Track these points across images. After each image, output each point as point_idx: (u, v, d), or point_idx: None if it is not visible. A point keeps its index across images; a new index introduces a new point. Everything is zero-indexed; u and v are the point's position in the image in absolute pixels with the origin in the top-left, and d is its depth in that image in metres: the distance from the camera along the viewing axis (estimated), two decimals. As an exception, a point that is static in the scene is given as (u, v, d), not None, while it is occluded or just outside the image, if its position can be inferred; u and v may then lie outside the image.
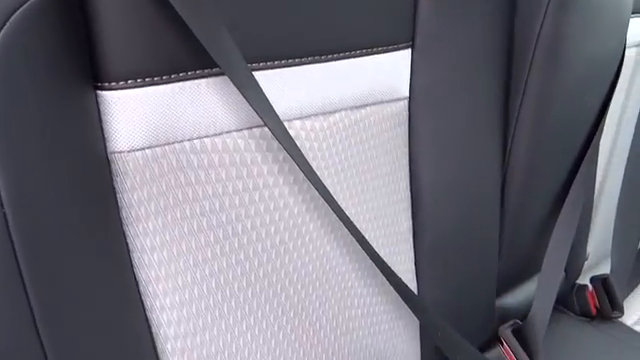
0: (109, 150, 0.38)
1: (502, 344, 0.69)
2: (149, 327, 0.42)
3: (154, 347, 0.42)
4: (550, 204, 0.71)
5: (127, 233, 0.40)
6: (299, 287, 0.50)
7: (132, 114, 0.38)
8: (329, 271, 0.52)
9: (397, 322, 0.60)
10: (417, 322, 0.62)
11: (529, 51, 0.63)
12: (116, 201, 0.39)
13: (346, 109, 0.51)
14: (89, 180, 0.38)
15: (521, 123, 0.64)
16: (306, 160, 0.46)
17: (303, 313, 0.51)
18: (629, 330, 0.82)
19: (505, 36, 0.63)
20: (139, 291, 0.41)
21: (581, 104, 0.70)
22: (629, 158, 0.89)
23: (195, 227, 0.43)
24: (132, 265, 0.41)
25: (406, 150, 0.57)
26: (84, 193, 0.37)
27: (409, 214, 0.59)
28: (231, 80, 0.40)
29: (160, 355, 0.43)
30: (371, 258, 0.51)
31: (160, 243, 0.41)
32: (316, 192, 0.49)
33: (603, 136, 0.72)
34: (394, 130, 0.55)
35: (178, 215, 0.42)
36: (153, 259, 0.41)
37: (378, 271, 0.54)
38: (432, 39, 0.55)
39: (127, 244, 0.40)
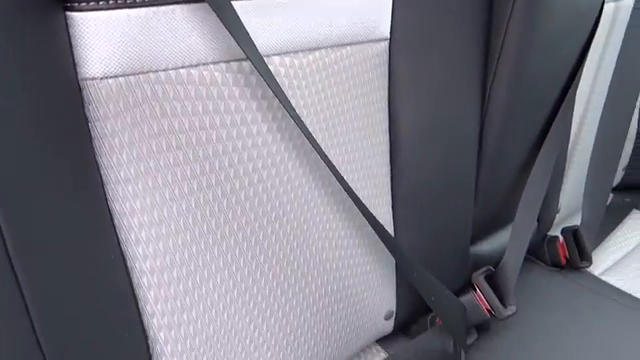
0: (80, 76, 0.37)
1: (475, 290, 0.71)
2: (124, 260, 0.41)
3: (129, 281, 0.42)
4: (526, 153, 0.72)
5: (101, 164, 0.39)
6: (277, 226, 0.50)
7: (104, 38, 0.37)
8: (307, 211, 0.52)
9: (374, 264, 0.61)
10: (393, 264, 0.63)
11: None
12: (89, 130, 0.38)
13: (326, 47, 0.50)
14: (60, 107, 0.36)
15: (500, 69, 0.64)
16: (287, 97, 0.46)
17: (281, 252, 0.51)
18: (596, 279, 0.85)
19: (487, -19, 0.62)
20: (114, 224, 0.40)
21: (559, 55, 0.70)
22: (602, 114, 0.90)
23: (171, 160, 0.42)
24: (106, 197, 0.40)
25: (385, 93, 0.57)
26: (55, 121, 0.36)
27: (387, 158, 0.59)
28: (210, 7, 0.39)
29: (136, 289, 0.42)
30: (350, 197, 0.51)
31: (135, 175, 0.40)
32: (295, 131, 0.49)
33: (579, 91, 0.73)
34: (374, 71, 0.54)
35: (154, 147, 0.41)
36: (128, 191, 0.40)
37: (356, 212, 0.54)
38: (414, -21, 0.54)
39: (101, 175, 0.39)
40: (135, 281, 0.42)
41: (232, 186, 0.46)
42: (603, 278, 0.85)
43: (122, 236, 0.41)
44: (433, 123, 0.60)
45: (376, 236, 0.55)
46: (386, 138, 0.58)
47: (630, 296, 0.81)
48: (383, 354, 0.68)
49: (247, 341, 0.50)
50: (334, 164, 0.49)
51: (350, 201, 0.53)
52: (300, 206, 0.51)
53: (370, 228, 0.54)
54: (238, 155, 0.46)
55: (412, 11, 0.55)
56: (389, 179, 0.59)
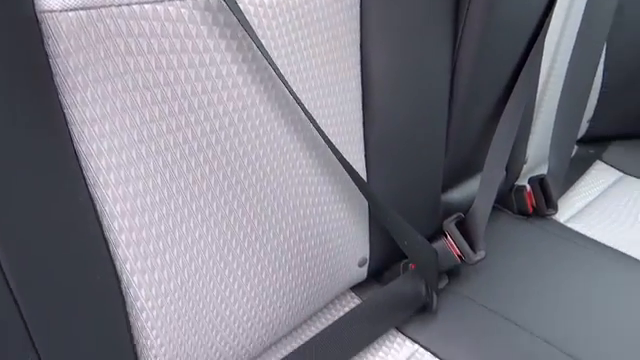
0: (38, 9, 0.35)
1: (446, 236, 0.72)
2: (94, 204, 0.40)
3: (100, 224, 0.41)
4: (495, 101, 0.72)
5: (64, 103, 0.38)
6: (249, 171, 0.50)
7: (61, -33, 0.35)
8: (280, 156, 0.52)
9: (348, 211, 0.61)
10: (367, 211, 0.64)
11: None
12: (50, 67, 0.37)
13: (296, -14, 0.49)
14: (17, 42, 0.35)
15: (470, 16, 0.63)
16: (257, 36, 0.44)
17: (254, 198, 0.51)
18: (561, 226, 0.88)
19: None
20: (80, 166, 0.39)
21: (528, 3, 0.70)
22: (569, 65, 0.91)
23: (139, 101, 0.41)
24: (72, 138, 0.39)
25: (357, 37, 0.56)
26: (12, 56, 0.34)
27: (359, 104, 0.59)
28: None
29: (106, 233, 0.41)
30: (324, 141, 0.50)
31: (101, 115, 0.39)
32: (266, 73, 0.48)
33: (547, 39, 0.74)
34: (345, 13, 0.53)
35: (119, 86, 0.40)
36: (94, 132, 0.39)
37: (330, 157, 0.54)
38: None
39: (65, 115, 0.38)
40: (106, 224, 0.41)
41: (202, 129, 0.45)
42: (568, 225, 0.88)
43: (90, 179, 0.40)
44: (404, 68, 0.59)
45: (349, 183, 0.56)
46: (358, 83, 0.58)
47: (593, 241, 0.84)
48: (357, 300, 0.70)
49: (222, 286, 0.50)
50: (307, 108, 0.49)
51: (324, 146, 0.53)
52: (273, 151, 0.51)
53: (344, 174, 0.54)
54: (208, 97, 0.45)
55: (383, -48, 0.54)
56: (361, 125, 0.59)
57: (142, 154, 0.42)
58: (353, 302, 0.69)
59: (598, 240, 0.84)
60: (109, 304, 0.43)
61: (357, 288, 0.71)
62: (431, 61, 0.62)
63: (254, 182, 0.50)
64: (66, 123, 0.38)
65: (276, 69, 0.45)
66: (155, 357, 0.46)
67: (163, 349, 0.46)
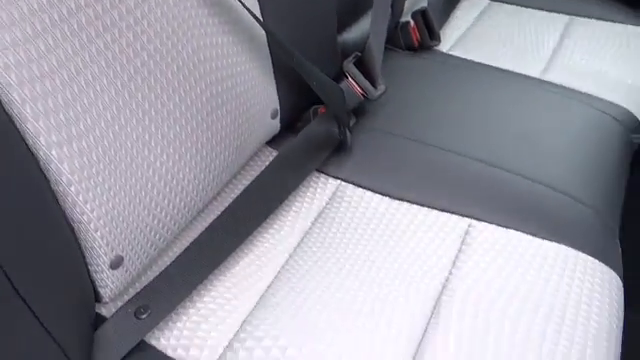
0: None
1: (347, 77, 0.74)
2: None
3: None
4: None
5: None
6: (145, 25, 0.46)
7: None
8: (179, 15, 0.48)
9: (253, 62, 0.60)
10: (270, 60, 0.63)
11: None
12: None
13: None
14: None
15: None
16: None
17: (157, 54, 0.48)
18: (445, 55, 0.94)
19: None
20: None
21: None
22: None
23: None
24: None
25: None
26: None
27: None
28: None
29: (7, 107, 0.37)
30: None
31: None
32: None
33: None
34: None
35: None
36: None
37: (229, 6, 0.51)
38: None
39: None
40: (5, 99, 0.37)
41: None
42: (451, 53, 0.94)
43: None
44: None
45: (250, 31, 0.54)
46: None
47: (472, 62, 0.91)
48: (275, 153, 0.71)
49: (146, 151, 0.49)
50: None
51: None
52: (173, 13, 0.47)
53: (243, 23, 0.53)
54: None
55: None
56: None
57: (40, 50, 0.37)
58: (272, 155, 0.71)
59: (477, 61, 0.91)
60: (35, 185, 0.40)
61: (274, 142, 0.72)
62: None
63: (152, 36, 0.47)
64: None
65: None
66: (95, 231, 0.45)
67: (102, 221, 0.45)
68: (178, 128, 0.52)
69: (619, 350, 0.54)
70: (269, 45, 0.62)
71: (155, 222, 0.51)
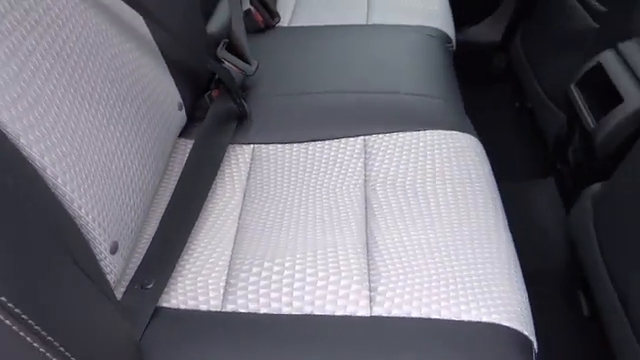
0: None
1: (224, 62, 0.86)
2: None
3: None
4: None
5: None
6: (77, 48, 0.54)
7: None
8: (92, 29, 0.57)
9: (152, 63, 0.70)
10: (162, 60, 0.73)
11: None
12: None
13: None
14: None
15: None
16: None
17: (80, 63, 0.56)
18: (289, 28, 1.10)
19: None
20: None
21: None
22: None
23: None
24: None
25: None
26: None
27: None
28: None
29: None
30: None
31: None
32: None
33: None
34: None
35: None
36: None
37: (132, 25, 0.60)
38: None
39: None
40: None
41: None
42: (292, 25, 1.11)
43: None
44: None
45: (144, 39, 0.64)
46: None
47: (312, 27, 1.08)
48: (190, 142, 0.80)
49: (100, 137, 0.57)
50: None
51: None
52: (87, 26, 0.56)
53: (135, 31, 0.62)
54: None
55: None
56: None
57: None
58: (189, 145, 0.80)
59: (315, 25, 1.08)
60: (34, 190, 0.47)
61: (185, 133, 0.81)
62: None
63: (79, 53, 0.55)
64: None
65: None
66: (93, 221, 0.52)
67: (95, 211, 0.52)
68: (105, 120, 0.59)
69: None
70: (157, 43, 0.72)
71: (131, 202, 0.59)
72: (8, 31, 0.48)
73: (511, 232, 0.68)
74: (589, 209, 0.91)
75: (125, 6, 0.65)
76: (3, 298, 0.34)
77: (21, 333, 0.35)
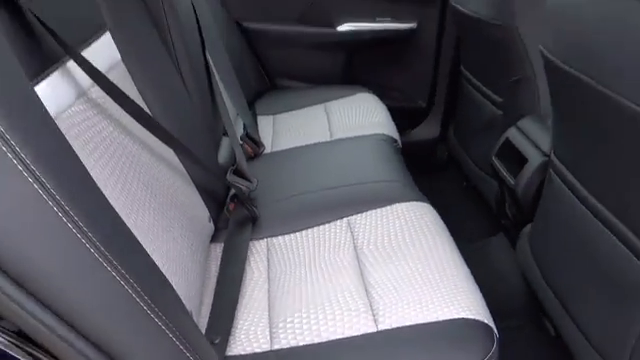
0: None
1: (232, 184, 1.15)
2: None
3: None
4: None
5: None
6: (143, 173, 0.82)
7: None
8: (150, 160, 0.85)
9: (186, 189, 0.98)
10: (194, 186, 1.01)
11: None
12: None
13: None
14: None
15: None
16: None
17: (141, 182, 0.84)
18: (273, 153, 1.41)
19: None
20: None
21: None
22: None
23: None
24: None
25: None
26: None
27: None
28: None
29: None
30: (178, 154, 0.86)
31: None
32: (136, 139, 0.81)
33: None
34: None
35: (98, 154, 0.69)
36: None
37: (171, 164, 0.90)
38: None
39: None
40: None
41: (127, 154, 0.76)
42: (274, 150, 1.42)
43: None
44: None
45: (176, 168, 0.93)
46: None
47: (290, 149, 1.40)
48: (220, 245, 1.05)
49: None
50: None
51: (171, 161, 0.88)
52: (147, 160, 0.84)
53: (169, 162, 0.91)
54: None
55: None
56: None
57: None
58: (220, 248, 1.05)
59: (291, 147, 1.40)
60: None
61: (214, 239, 1.07)
62: None
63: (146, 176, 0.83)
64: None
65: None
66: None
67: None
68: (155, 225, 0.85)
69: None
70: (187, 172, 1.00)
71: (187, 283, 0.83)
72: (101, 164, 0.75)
73: (476, 282, 0.90)
74: (526, 246, 1.19)
75: (163, 145, 0.93)
76: None
77: None
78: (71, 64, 0.72)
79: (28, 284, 0.47)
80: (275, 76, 1.94)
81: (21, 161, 0.45)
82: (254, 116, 1.63)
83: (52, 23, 0.69)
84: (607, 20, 0.74)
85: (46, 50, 0.69)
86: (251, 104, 1.71)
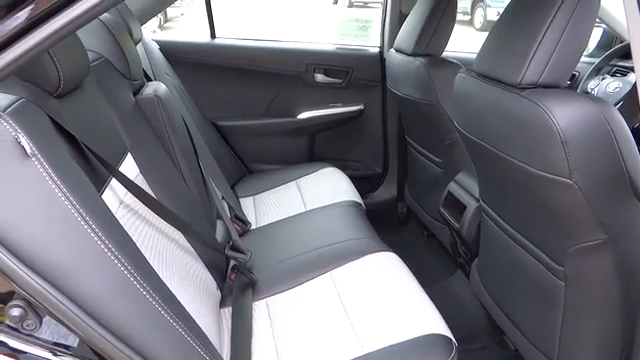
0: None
1: (230, 258, 1.39)
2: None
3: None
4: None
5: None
6: (164, 252, 1.06)
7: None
8: (166, 241, 1.10)
9: (191, 261, 1.22)
10: (201, 261, 1.25)
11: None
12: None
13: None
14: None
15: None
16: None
17: (166, 264, 1.08)
18: (260, 228, 1.66)
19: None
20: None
21: None
22: None
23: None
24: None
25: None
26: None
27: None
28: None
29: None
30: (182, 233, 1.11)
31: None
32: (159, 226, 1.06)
33: None
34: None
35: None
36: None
37: (182, 243, 1.15)
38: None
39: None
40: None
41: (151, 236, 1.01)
42: (259, 226, 1.67)
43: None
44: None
45: (184, 247, 1.17)
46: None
47: (275, 222, 1.66)
48: (229, 308, 1.28)
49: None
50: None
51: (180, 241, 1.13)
52: (165, 241, 1.09)
53: (179, 243, 1.16)
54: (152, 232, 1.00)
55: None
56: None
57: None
58: (228, 311, 1.27)
59: (275, 220, 1.66)
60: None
61: (221, 304, 1.29)
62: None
63: (165, 258, 1.07)
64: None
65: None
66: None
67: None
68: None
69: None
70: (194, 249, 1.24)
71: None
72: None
73: (441, 314, 1.13)
74: (476, 275, 1.46)
75: (176, 231, 1.17)
76: None
77: None
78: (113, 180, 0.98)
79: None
80: (250, 162, 2.23)
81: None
82: (237, 199, 1.89)
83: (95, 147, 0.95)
84: (486, 102, 1.06)
85: (95, 168, 0.94)
86: (232, 188, 1.97)
